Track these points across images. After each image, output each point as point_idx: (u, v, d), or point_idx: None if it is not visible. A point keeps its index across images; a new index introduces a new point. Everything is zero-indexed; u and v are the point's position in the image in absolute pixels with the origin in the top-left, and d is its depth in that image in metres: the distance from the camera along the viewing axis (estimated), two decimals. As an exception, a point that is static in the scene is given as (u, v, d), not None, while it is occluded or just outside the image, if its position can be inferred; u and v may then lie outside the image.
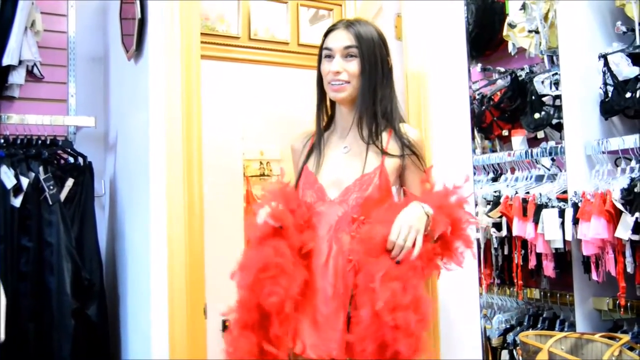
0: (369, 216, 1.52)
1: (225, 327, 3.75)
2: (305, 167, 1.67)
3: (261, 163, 5.10)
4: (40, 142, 2.61)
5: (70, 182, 2.58)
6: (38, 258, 2.41)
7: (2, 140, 2.55)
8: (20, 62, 2.67)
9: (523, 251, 2.32)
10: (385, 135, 1.62)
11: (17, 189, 2.41)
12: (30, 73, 2.76)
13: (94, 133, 2.86)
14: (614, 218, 1.95)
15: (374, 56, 1.61)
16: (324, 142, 1.67)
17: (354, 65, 1.61)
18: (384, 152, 1.58)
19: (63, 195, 2.54)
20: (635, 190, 1.92)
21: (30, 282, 2.39)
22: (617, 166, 2.15)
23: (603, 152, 2.15)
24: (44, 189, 2.44)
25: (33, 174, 2.45)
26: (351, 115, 1.65)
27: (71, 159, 2.69)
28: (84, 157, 2.68)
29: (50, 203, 2.44)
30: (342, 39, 1.63)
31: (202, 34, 2.66)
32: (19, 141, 2.57)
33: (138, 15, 2.37)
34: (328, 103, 1.73)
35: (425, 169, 1.61)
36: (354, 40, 1.61)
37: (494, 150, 2.75)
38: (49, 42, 2.83)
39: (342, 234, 1.53)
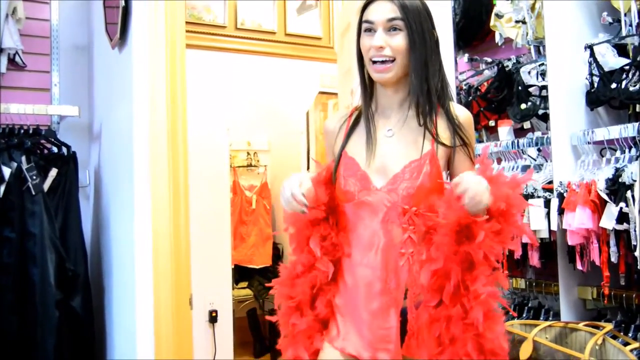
0: (421, 207, 1.40)
1: (212, 318, 3.75)
2: (344, 152, 1.50)
3: (248, 154, 5.09)
4: (22, 131, 2.58)
5: (53, 172, 2.55)
6: (21, 249, 2.39)
7: (-16, 130, 2.52)
8: (2, 50, 2.63)
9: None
10: (434, 115, 1.47)
11: (-1, 178, 2.38)
12: (12, 61, 2.72)
13: (78, 122, 2.83)
14: (598, 208, 1.96)
15: (421, 28, 1.44)
16: (372, 126, 1.50)
17: (398, 40, 1.43)
18: (434, 137, 1.44)
19: (46, 186, 2.51)
20: (620, 180, 1.93)
21: (13, 274, 2.37)
22: (602, 156, 2.16)
23: (588, 143, 2.16)
24: (26, 179, 2.41)
25: (15, 164, 2.42)
26: (397, 96, 1.50)
27: (55, 149, 2.65)
28: (68, 147, 2.65)
29: (33, 193, 2.41)
30: (385, 10, 1.44)
31: (187, 23, 2.64)
32: (0, 130, 2.54)
33: (122, 3, 2.34)
34: (367, 81, 1.54)
35: (473, 151, 1.49)
36: (399, 12, 1.42)
37: (480, 141, 2.75)
38: (32, 30, 2.79)
39: (392, 226, 1.41)
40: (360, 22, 1.49)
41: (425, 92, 1.45)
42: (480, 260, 1.35)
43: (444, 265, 1.35)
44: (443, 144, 1.45)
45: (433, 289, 1.38)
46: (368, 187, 1.45)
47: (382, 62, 1.45)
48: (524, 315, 2.43)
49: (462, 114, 1.50)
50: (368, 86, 1.54)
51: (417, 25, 1.43)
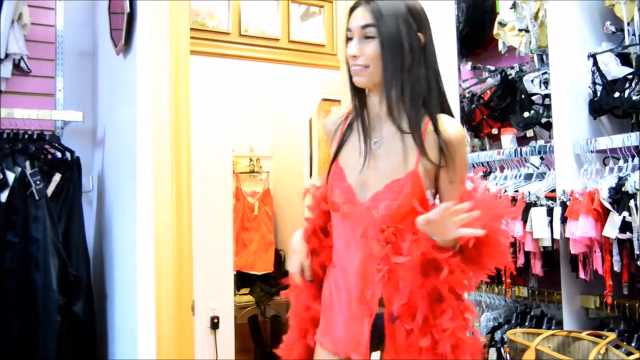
0: (398, 228, 1.39)
1: (213, 324, 3.75)
2: (337, 161, 1.51)
3: (251, 160, 5.09)
4: (27, 136, 2.59)
5: (57, 177, 2.56)
6: (24, 254, 2.39)
7: (-12, 135, 2.53)
8: (7, 55, 2.64)
9: (511, 249, 2.32)
10: (422, 127, 1.41)
11: (3, 183, 2.38)
12: (17, 66, 2.74)
13: (82, 128, 2.84)
14: (601, 217, 1.96)
15: (396, 33, 1.37)
16: (361, 136, 1.47)
17: (372, 47, 1.39)
18: (420, 153, 1.40)
19: (50, 191, 2.52)
20: (623, 189, 1.93)
21: (16, 278, 2.37)
22: (605, 165, 2.16)
23: (591, 151, 2.16)
24: (30, 184, 2.42)
25: (19, 169, 2.42)
26: (382, 104, 1.45)
27: (58, 154, 2.66)
28: (72, 152, 2.65)
29: (37, 198, 2.41)
30: (359, 18, 1.41)
31: (191, 29, 2.64)
32: (5, 135, 2.55)
33: (127, 9, 2.35)
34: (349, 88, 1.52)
35: (460, 172, 1.43)
36: (371, 19, 1.38)
37: (483, 149, 2.75)
38: (37, 36, 2.81)
39: (371, 242, 1.41)
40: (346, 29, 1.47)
41: (401, 101, 1.39)
42: (447, 294, 1.36)
43: (410, 300, 1.36)
44: (430, 161, 1.40)
45: (405, 315, 1.38)
46: (352, 201, 1.46)
47: (358, 68, 1.43)
48: (527, 323, 2.43)
49: (452, 130, 1.41)
50: (359, 94, 1.50)
51: (393, 29, 1.37)
